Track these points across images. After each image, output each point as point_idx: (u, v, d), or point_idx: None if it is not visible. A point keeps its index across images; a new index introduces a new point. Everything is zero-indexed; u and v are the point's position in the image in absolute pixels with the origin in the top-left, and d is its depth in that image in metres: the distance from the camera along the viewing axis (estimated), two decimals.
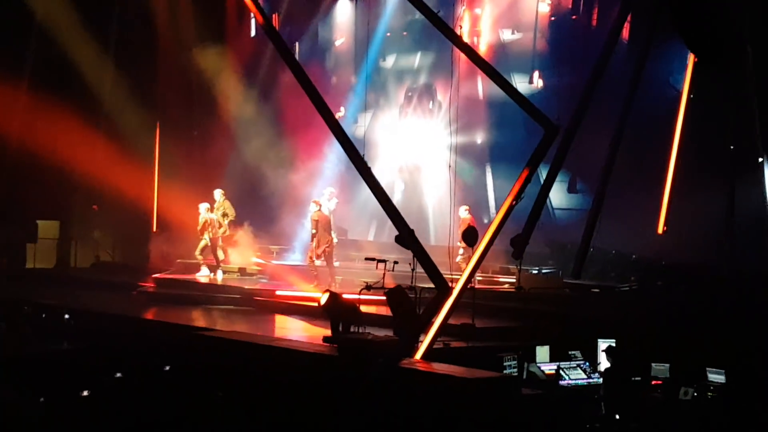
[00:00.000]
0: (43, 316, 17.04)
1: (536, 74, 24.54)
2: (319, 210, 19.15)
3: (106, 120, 23.96)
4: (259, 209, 22.89)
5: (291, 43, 25.29)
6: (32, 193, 24.12)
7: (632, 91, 14.41)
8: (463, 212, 18.47)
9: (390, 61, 26.82)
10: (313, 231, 18.98)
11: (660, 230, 14.47)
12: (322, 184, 21.76)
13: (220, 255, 21.04)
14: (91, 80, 23.51)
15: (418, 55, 26.55)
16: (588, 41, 22.14)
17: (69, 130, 23.29)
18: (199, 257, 20.81)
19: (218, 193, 21.04)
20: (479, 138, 24.70)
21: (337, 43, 27.42)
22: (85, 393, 11.13)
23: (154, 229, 24.33)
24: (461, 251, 18.06)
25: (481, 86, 24.32)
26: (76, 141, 23.18)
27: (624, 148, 15.76)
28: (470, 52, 14.23)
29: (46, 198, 24.77)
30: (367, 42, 21.88)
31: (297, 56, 24.72)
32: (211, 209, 20.72)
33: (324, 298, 12.93)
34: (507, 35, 25.43)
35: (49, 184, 24.39)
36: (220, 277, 20.73)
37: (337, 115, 23.62)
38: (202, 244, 20.66)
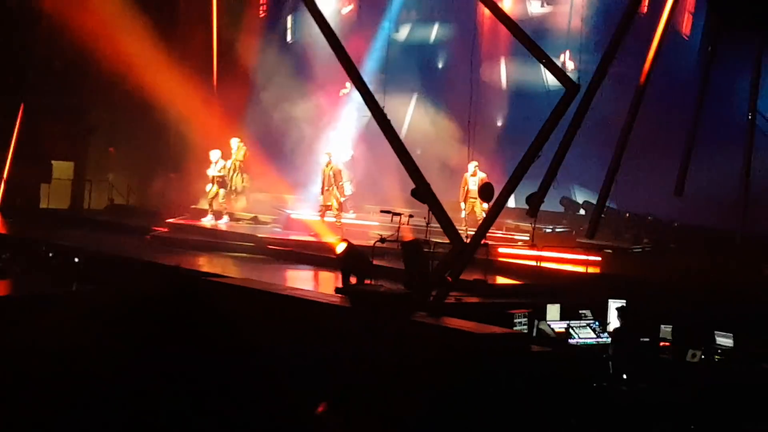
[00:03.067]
0: (50, 255, 17.08)
1: (566, 55, 22.13)
2: (330, 161, 19.15)
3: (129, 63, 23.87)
4: (276, 159, 22.88)
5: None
6: (48, 133, 24.17)
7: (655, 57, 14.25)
8: (472, 168, 18.34)
9: (404, 33, 25.17)
10: (325, 183, 19.06)
11: (677, 193, 14.39)
12: (337, 136, 21.75)
13: (237, 203, 21.10)
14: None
15: (436, 26, 25.01)
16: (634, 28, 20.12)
17: (87, 71, 23.29)
18: (223, 203, 20.88)
19: (235, 142, 21.04)
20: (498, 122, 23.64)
21: (344, 11, 25.75)
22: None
23: (170, 173, 24.37)
24: (484, 205, 18.02)
25: (505, 69, 23.20)
26: (94, 83, 23.20)
27: (643, 110, 15.69)
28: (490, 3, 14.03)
29: (62, 138, 24.82)
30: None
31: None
32: (226, 158, 20.75)
33: (340, 248, 12.96)
34: (536, 7, 23.41)
35: (65, 124, 24.43)
36: (223, 224, 20.77)
37: (342, 92, 23.49)
38: (213, 191, 20.70)
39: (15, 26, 23.66)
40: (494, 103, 22.96)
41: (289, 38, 26.02)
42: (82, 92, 24.14)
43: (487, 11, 13.96)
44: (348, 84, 23.28)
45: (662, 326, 14.22)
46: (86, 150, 26.18)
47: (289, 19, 26.26)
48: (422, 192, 12.61)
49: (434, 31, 25.19)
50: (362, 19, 24.26)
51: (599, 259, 16.70)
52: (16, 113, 24.02)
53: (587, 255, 16.71)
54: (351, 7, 25.31)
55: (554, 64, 13.28)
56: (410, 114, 23.47)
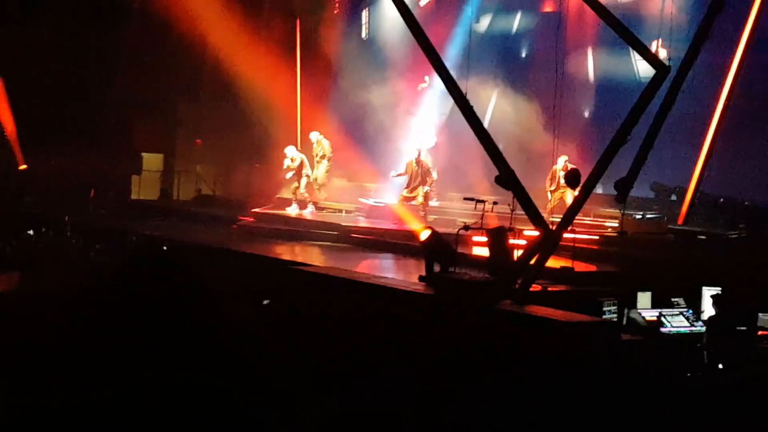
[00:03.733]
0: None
1: (658, 43, 19.88)
2: (419, 157, 19.27)
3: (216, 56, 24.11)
4: (358, 148, 22.86)
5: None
6: (138, 126, 24.63)
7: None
8: (562, 162, 18.15)
9: (484, 23, 24.44)
10: (408, 173, 19.11)
11: None
12: (420, 126, 21.62)
13: (318, 194, 21.24)
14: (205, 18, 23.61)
15: (518, 15, 24.38)
16: (738, 17, 17.92)
17: (174, 67, 23.63)
18: (304, 193, 21.04)
19: (314, 135, 21.21)
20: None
21: (422, 2, 24.95)
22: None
23: (255, 164, 24.59)
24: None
25: (592, 65, 22.53)
26: (181, 78, 23.53)
27: (738, 92, 15.14)
28: None
29: (152, 132, 25.26)
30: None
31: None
32: (305, 151, 20.98)
33: (424, 235, 12.83)
34: None
35: (154, 117, 24.86)
36: (308, 213, 20.88)
37: (420, 86, 23.28)
38: (295, 182, 20.91)
39: (106, 23, 24.13)
40: (581, 95, 22.38)
41: (363, 35, 25.90)
42: (170, 86, 24.48)
43: None
44: (427, 78, 23.13)
45: (760, 314, 13.71)
46: (175, 142, 26.61)
47: (364, 14, 26.14)
48: (506, 178, 12.36)
49: (517, 21, 24.70)
50: (440, 9, 23.94)
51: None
52: (108, 107, 24.52)
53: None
54: None
55: (643, 45, 12.90)
56: (493, 104, 23.09)
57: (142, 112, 24.71)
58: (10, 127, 22.89)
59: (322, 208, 21.44)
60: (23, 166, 23.14)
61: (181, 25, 22.94)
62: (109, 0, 24.61)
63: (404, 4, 13.54)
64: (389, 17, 23.27)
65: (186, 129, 26.25)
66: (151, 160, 26.19)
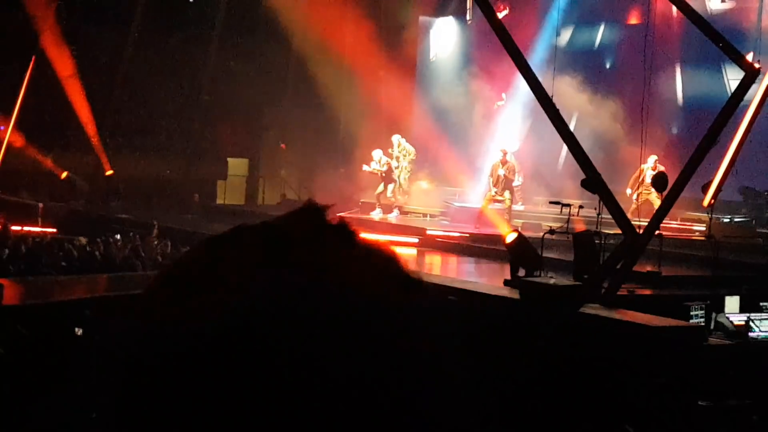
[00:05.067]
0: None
1: (750, 57, 20.68)
2: (505, 159, 19.38)
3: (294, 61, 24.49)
4: (444, 152, 22.95)
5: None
6: (223, 132, 25.11)
7: None
8: (651, 161, 17.98)
9: (565, 37, 23.87)
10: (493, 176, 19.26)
11: None
12: (506, 131, 21.66)
13: (401, 198, 21.44)
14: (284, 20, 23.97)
15: (601, 28, 23.77)
16: None
17: (259, 71, 24.08)
18: (390, 197, 21.27)
19: (396, 139, 21.44)
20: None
21: (500, 15, 25.16)
22: None
23: (340, 168, 24.88)
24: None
25: (680, 81, 22.08)
26: (265, 82, 23.95)
27: None
28: None
29: (237, 137, 25.72)
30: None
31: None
32: (388, 155, 21.18)
33: (510, 237, 12.89)
34: (715, 3, 21.43)
35: (239, 123, 25.32)
36: (393, 217, 21.07)
37: (497, 104, 23.21)
38: (381, 187, 21.11)
39: (192, 33, 24.71)
40: (667, 110, 21.94)
41: (432, 56, 26.08)
42: (255, 91, 24.94)
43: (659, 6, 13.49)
44: (504, 95, 23.00)
45: None
46: (259, 147, 27.05)
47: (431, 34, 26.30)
48: (593, 182, 12.36)
49: (600, 33, 24.36)
50: (518, 23, 23.72)
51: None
52: (196, 113, 25.10)
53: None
54: (506, 12, 24.69)
55: (731, 46, 12.77)
56: (576, 114, 22.74)
57: (228, 118, 25.18)
58: (92, 131, 23.53)
59: (407, 212, 21.59)
60: (110, 172, 23.82)
61: (269, 30, 23.47)
62: (197, 9, 25.19)
63: (493, 12, 13.57)
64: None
65: (271, 134, 26.65)
66: (237, 165, 26.66)
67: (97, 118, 23.61)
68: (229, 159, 26.55)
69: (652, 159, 17.92)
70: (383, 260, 0.86)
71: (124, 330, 0.81)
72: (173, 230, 18.46)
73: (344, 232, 0.88)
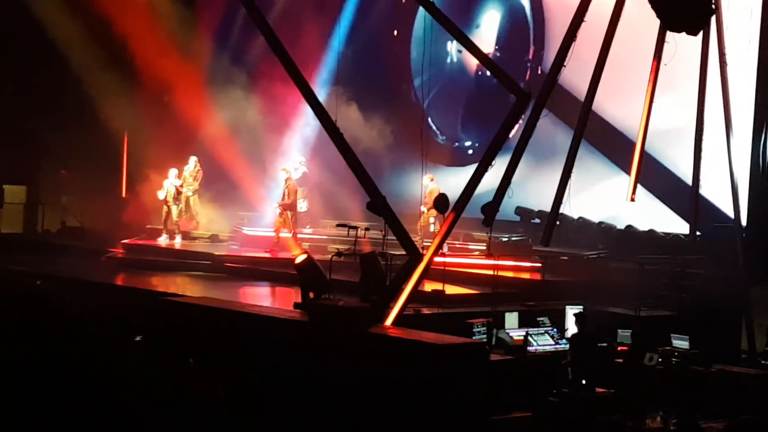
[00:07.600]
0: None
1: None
2: (289, 178, 19.41)
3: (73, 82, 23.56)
4: (228, 175, 22.74)
5: None
6: None
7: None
8: (427, 181, 18.43)
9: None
10: (281, 201, 19.28)
11: (629, 198, 14.54)
12: (292, 153, 21.71)
13: (191, 222, 21.22)
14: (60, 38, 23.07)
15: None
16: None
17: (38, 94, 23.08)
18: (176, 222, 20.97)
19: (193, 160, 21.22)
20: None
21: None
22: None
23: (124, 194, 24.23)
24: (432, 220, 18.27)
25: None
26: (45, 104, 22.98)
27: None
28: None
29: (13, 163, 24.57)
30: None
31: None
32: (180, 176, 20.92)
33: (300, 258, 12.95)
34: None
35: (16, 148, 24.19)
36: (178, 243, 20.79)
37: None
38: (165, 210, 20.85)
39: None
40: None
41: None
42: (32, 115, 23.83)
43: None
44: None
45: (619, 331, 14.40)
46: (38, 173, 25.95)
47: None
48: (378, 204, 12.60)
49: None
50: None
51: (539, 265, 17.34)
52: None
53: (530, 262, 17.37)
54: None
55: (501, 70, 13.39)
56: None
57: (2, 143, 23.97)
58: None
59: (195, 238, 21.29)
60: None
61: (43, 51, 22.49)
62: None
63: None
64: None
65: (51, 159, 25.60)
66: (14, 193, 25.44)
67: None
68: (5, 186, 25.27)
69: (426, 178, 18.21)
70: None
71: None
72: None
73: None
